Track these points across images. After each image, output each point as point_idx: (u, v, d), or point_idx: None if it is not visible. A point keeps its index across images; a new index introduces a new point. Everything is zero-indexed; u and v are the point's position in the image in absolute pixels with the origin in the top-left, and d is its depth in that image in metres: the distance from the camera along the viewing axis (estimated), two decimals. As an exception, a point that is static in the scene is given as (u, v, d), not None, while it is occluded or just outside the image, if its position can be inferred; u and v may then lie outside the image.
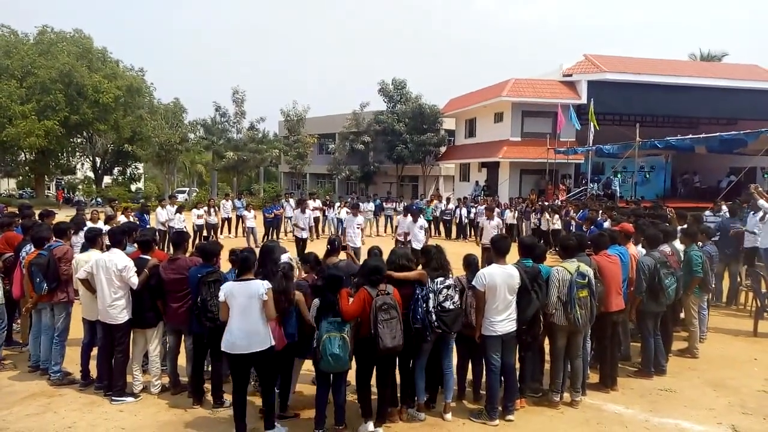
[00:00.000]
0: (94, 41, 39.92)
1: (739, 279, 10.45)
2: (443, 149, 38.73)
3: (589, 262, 6.14)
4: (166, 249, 13.54)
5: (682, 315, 7.96)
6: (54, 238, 6.68)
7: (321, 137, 43.10)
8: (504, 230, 19.43)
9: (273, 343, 5.16)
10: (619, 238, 7.04)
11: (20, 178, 52.41)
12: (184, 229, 13.65)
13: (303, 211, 14.75)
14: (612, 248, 6.63)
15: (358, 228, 12.49)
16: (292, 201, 21.21)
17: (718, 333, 8.77)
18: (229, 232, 20.36)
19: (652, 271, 6.60)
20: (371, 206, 22.91)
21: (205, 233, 17.63)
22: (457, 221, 21.98)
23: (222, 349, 5.10)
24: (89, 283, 6.01)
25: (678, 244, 7.76)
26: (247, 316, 5.00)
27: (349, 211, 21.51)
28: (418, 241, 11.96)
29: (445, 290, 5.38)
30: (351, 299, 5.11)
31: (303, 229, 14.58)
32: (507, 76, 29.85)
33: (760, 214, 10.11)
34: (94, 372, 6.35)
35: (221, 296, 5.08)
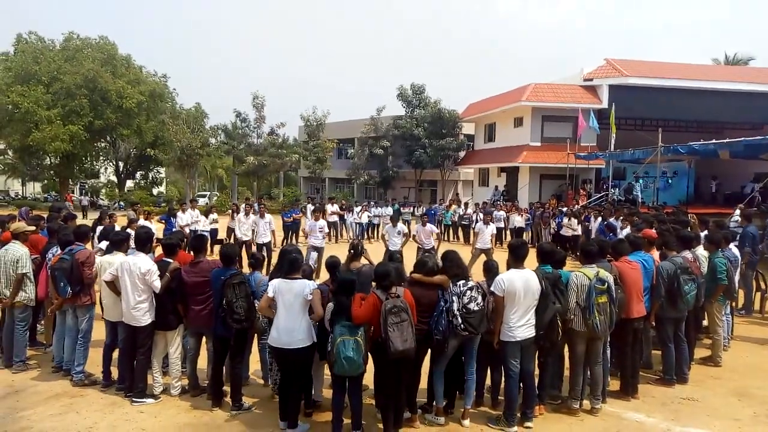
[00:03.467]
0: (118, 48, 40.68)
1: (764, 286, 10.24)
2: (462, 154, 38.66)
3: (610, 268, 6.07)
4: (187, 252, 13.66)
5: (705, 322, 7.83)
6: (75, 242, 6.78)
7: (340, 142, 43.29)
8: (514, 235, 19.46)
9: (314, 340, 5.36)
10: (643, 244, 6.96)
11: (45, 181, 53.45)
12: (206, 233, 13.79)
13: (262, 216, 14.37)
14: (635, 255, 6.56)
15: (398, 234, 12.39)
16: (310, 206, 21.32)
17: (743, 341, 8.60)
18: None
19: (671, 277, 6.52)
20: (389, 211, 22.92)
21: (223, 237, 17.73)
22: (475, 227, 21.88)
23: (269, 342, 5.44)
24: (114, 286, 6.10)
25: (701, 251, 7.65)
26: (291, 313, 5.26)
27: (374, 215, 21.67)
28: (393, 246, 12.00)
29: (468, 292, 5.39)
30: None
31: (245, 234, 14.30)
32: (527, 81, 29.74)
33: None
34: (115, 373, 6.44)
35: (270, 292, 5.34)
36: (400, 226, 12.55)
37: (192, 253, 6.36)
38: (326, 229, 13.71)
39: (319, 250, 12.42)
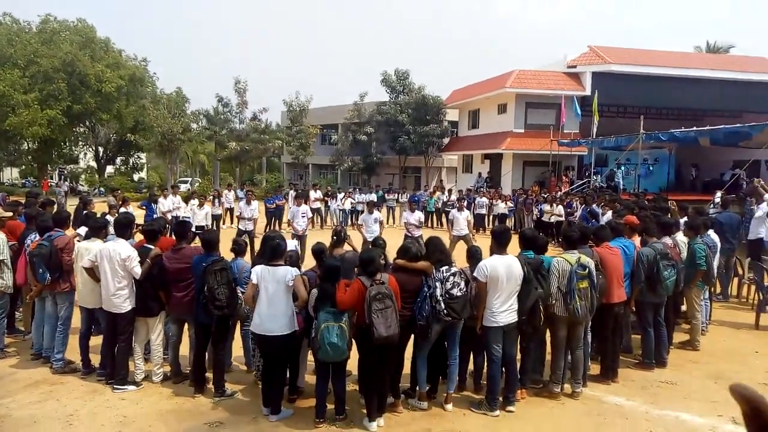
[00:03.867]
0: (97, 31, 39.87)
1: (741, 272, 10.42)
2: (446, 140, 38.67)
3: (591, 253, 6.13)
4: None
5: (684, 307, 7.95)
6: (54, 228, 6.67)
7: (324, 128, 43.02)
8: (497, 221, 19.58)
9: (297, 328, 5.34)
10: (625, 230, 7.03)
11: (23, 167, 52.56)
12: (188, 219, 13.65)
13: (248, 203, 14.21)
14: (616, 241, 6.64)
15: (375, 222, 12.27)
16: (292, 192, 21.20)
17: (720, 326, 8.76)
18: (231, 223, 20.37)
19: (650, 262, 6.60)
20: (373, 197, 22.89)
21: (206, 224, 17.57)
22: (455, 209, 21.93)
23: (251, 329, 5.41)
24: (94, 272, 6.02)
25: (680, 237, 7.75)
26: (274, 300, 5.23)
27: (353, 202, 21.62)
28: (370, 233, 11.84)
29: (451, 278, 5.42)
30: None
31: (249, 221, 13.99)
32: (511, 68, 29.74)
33: (765, 207, 10.07)
34: (95, 360, 6.37)
35: (253, 278, 5.32)
36: (377, 213, 12.50)
37: (175, 239, 6.28)
38: (309, 215, 13.56)
39: (302, 238, 12.34)
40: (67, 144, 43.25)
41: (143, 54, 53.94)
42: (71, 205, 12.07)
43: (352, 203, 21.74)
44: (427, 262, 5.55)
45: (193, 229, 7.24)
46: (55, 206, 9.14)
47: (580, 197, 18.05)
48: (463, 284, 5.47)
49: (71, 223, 7.70)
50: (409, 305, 5.38)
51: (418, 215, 13.07)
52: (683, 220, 8.84)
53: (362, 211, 21.13)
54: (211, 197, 18.79)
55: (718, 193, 12.91)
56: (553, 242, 15.71)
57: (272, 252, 5.38)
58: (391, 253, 6.13)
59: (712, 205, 12.41)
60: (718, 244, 8.56)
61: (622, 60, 28.15)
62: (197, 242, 6.34)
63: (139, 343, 6.25)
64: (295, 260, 5.81)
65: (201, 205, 15.39)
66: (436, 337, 5.55)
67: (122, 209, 11.41)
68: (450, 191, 24.37)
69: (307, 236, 12.48)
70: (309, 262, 6.35)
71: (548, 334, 6.20)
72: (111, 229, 6.86)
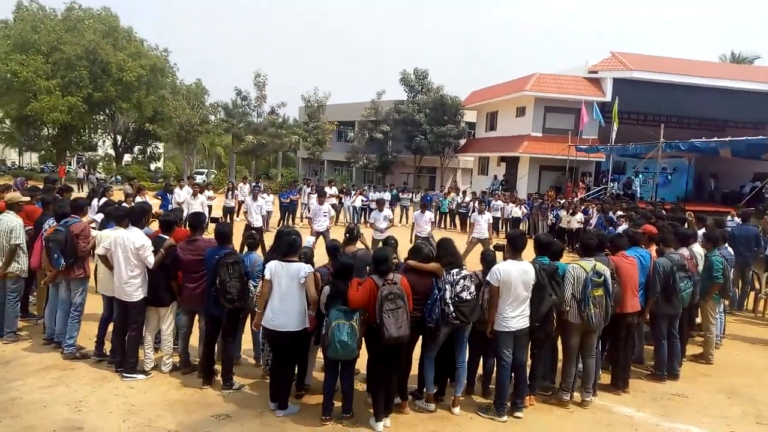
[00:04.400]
0: (120, 20, 40.23)
1: (758, 286, 10.26)
2: (463, 141, 38.51)
3: (607, 261, 6.06)
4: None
5: (698, 320, 7.84)
6: (71, 215, 6.72)
7: (340, 124, 43.03)
8: (510, 225, 19.46)
9: (308, 325, 5.33)
10: (642, 240, 6.95)
11: (42, 152, 53.19)
12: (202, 210, 13.69)
13: (255, 198, 14.07)
14: (633, 250, 6.55)
15: (384, 219, 12.21)
16: (307, 188, 21.26)
17: (735, 340, 8.64)
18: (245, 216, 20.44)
19: (667, 273, 6.51)
20: (387, 196, 22.87)
21: (220, 216, 17.65)
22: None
23: (263, 323, 5.37)
24: (107, 260, 6.06)
25: (698, 248, 7.63)
26: (287, 296, 5.24)
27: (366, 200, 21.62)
28: (379, 231, 11.98)
29: (462, 281, 5.39)
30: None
31: (256, 217, 13.69)
32: (531, 71, 29.55)
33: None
34: (108, 347, 6.42)
35: (267, 274, 5.32)
36: (387, 211, 12.47)
37: (189, 230, 6.30)
38: (332, 213, 13.32)
39: (323, 234, 12.24)
40: (87, 131, 43.74)
41: (165, 44, 54.31)
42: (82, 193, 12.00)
43: (363, 201, 21.74)
44: (438, 264, 5.52)
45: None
46: (77, 190, 9.20)
47: (597, 204, 17.88)
48: (473, 288, 5.43)
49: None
50: (419, 306, 5.35)
51: (429, 215, 13.07)
52: (701, 231, 8.72)
53: (378, 201, 21.23)
54: (225, 189, 18.83)
55: (735, 214, 12.67)
56: (568, 249, 15.63)
57: (288, 247, 5.38)
58: (403, 253, 6.11)
59: (730, 218, 12.21)
60: (734, 257, 8.43)
61: (644, 67, 27.83)
62: (211, 233, 6.34)
63: (150, 332, 6.28)
64: (309, 257, 5.80)
65: (195, 194, 15.17)
66: (444, 340, 5.52)
67: (138, 198, 11.49)
68: (464, 193, 24.29)
69: (329, 233, 12.43)
70: (322, 259, 6.32)
71: (560, 341, 6.14)
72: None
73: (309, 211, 14.19)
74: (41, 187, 10.13)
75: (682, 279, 6.60)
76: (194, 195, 15.19)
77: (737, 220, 11.35)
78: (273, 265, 5.32)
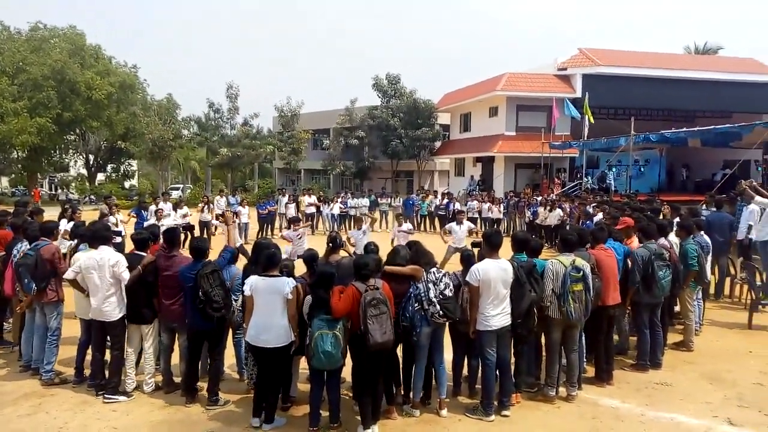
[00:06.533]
0: (86, 38, 39.70)
1: (734, 271, 10.44)
2: (438, 144, 38.71)
3: (588, 257, 6.11)
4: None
5: (677, 308, 7.95)
6: (41, 237, 6.59)
7: (315, 133, 42.96)
8: (488, 226, 19.52)
9: (293, 339, 5.26)
10: (626, 232, 7.05)
11: (13, 176, 52.16)
12: (177, 226, 13.48)
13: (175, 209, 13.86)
14: (607, 243, 6.62)
15: (363, 234, 11.89)
16: (284, 198, 21.13)
17: (714, 326, 8.76)
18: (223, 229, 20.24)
19: (645, 262, 6.60)
20: (366, 202, 22.86)
21: (196, 231, 17.31)
22: (450, 216, 21.91)
23: (246, 339, 5.30)
24: (77, 283, 5.95)
25: (673, 237, 7.75)
26: (270, 311, 5.15)
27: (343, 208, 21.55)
28: (359, 249, 11.17)
29: (444, 278, 5.45)
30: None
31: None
32: (502, 71, 29.84)
33: (756, 207, 10.09)
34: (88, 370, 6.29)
35: (246, 290, 5.24)
36: (365, 227, 12.35)
37: (165, 245, 6.22)
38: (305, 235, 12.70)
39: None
40: (57, 152, 43.04)
41: (133, 60, 53.77)
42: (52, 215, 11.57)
43: (341, 208, 21.68)
44: (417, 266, 5.53)
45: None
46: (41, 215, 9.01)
47: (568, 200, 18.06)
48: (451, 284, 5.51)
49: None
50: (397, 309, 5.36)
51: (407, 227, 13.15)
52: (676, 220, 8.85)
53: (354, 216, 21.08)
54: (201, 204, 18.63)
55: (706, 202, 12.87)
56: (547, 245, 15.74)
57: (267, 261, 5.31)
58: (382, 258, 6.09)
59: (704, 207, 12.41)
60: (710, 245, 8.57)
61: (612, 62, 28.30)
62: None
63: (133, 351, 6.18)
64: (291, 270, 5.74)
65: (159, 218, 14.23)
66: (428, 342, 5.51)
67: (111, 217, 11.30)
68: (443, 195, 24.36)
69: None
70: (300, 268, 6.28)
71: (543, 337, 6.17)
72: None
73: (287, 223, 13.94)
74: (11, 210, 9.91)
75: (660, 267, 6.70)
76: (158, 218, 14.17)
77: (712, 208, 11.54)
78: (253, 280, 5.25)
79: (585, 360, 6.50)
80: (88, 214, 14.25)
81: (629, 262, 6.66)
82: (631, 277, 6.61)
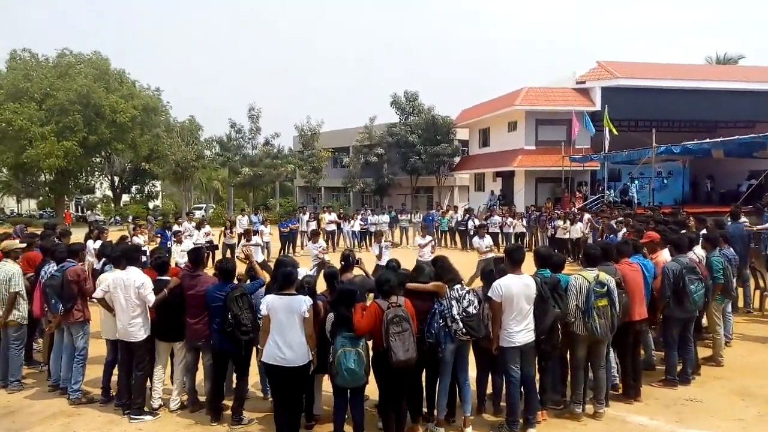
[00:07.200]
0: (111, 63, 40.66)
1: (763, 284, 10.22)
2: (457, 159, 38.69)
3: (614, 271, 6.03)
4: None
5: (705, 322, 7.79)
6: (68, 259, 6.73)
7: (335, 151, 43.28)
8: (513, 239, 19.40)
9: (311, 358, 5.21)
10: (650, 247, 6.96)
11: (40, 198, 53.25)
12: (203, 246, 13.61)
13: (179, 242, 13.32)
14: (634, 257, 6.55)
15: (386, 248, 11.97)
16: (305, 216, 21.27)
17: (744, 340, 8.57)
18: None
19: (677, 277, 6.48)
20: (386, 218, 22.90)
21: (218, 254, 17.14)
22: (472, 233, 21.79)
23: (263, 359, 5.23)
24: (106, 302, 6.05)
25: (698, 250, 7.62)
26: (287, 330, 5.10)
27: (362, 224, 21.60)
28: (381, 261, 11.15)
29: (467, 295, 5.42)
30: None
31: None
32: (520, 85, 29.83)
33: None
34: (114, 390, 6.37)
35: (263, 309, 5.21)
36: (384, 243, 12.41)
37: (190, 264, 6.30)
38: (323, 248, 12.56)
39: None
40: (84, 174, 43.88)
41: (156, 83, 54.82)
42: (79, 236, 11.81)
43: (361, 225, 21.72)
44: (440, 282, 5.51)
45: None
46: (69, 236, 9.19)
47: (593, 213, 17.88)
48: (476, 302, 5.47)
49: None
50: (423, 327, 5.33)
51: (429, 238, 13.13)
52: (702, 232, 8.72)
53: (375, 233, 21.11)
54: (224, 227, 18.21)
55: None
56: (570, 259, 15.57)
57: (284, 280, 5.30)
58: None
59: (729, 219, 12.20)
60: (737, 257, 8.41)
61: (630, 74, 28.12)
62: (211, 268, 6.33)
63: (161, 368, 6.26)
64: (312, 287, 5.77)
65: (179, 241, 13.80)
66: (452, 358, 5.48)
67: (135, 238, 11.48)
68: (457, 209, 24.32)
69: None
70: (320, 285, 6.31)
71: (568, 353, 6.09)
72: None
73: (308, 241, 13.87)
74: (39, 233, 10.14)
75: (692, 281, 6.53)
76: (178, 242, 13.70)
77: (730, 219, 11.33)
78: (270, 299, 5.24)
79: (616, 376, 6.40)
80: (114, 235, 14.48)
81: (658, 276, 6.56)
82: (662, 291, 6.50)
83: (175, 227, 15.96)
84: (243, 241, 13.79)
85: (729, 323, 8.09)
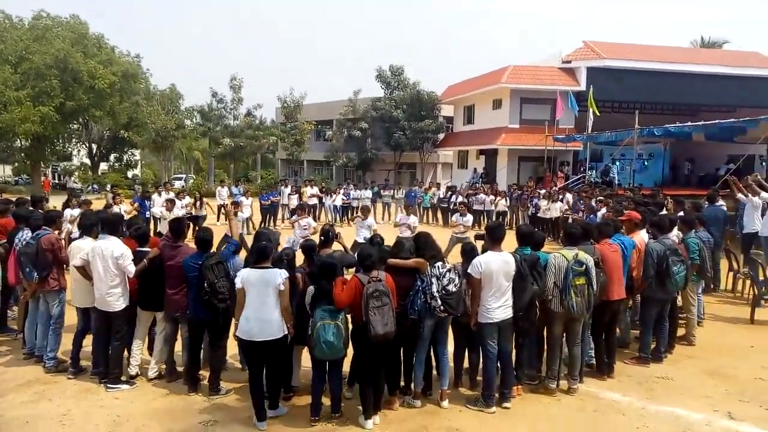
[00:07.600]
0: (89, 27, 39.59)
1: (736, 266, 10.43)
2: (441, 136, 38.57)
3: (592, 251, 6.09)
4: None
5: (679, 302, 7.93)
6: (43, 226, 6.61)
7: (318, 124, 42.86)
8: (495, 218, 19.50)
9: (286, 332, 5.21)
10: (628, 226, 7.01)
11: (16, 164, 52.25)
12: (183, 216, 13.46)
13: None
14: (614, 237, 6.60)
15: (367, 228, 11.76)
16: (286, 189, 21.14)
17: (716, 321, 8.77)
18: (225, 219, 20.24)
19: (660, 257, 6.56)
20: (368, 194, 22.85)
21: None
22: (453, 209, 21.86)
23: (237, 334, 5.22)
24: (86, 271, 5.96)
25: (675, 231, 7.73)
26: (262, 304, 5.07)
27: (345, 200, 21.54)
28: (360, 237, 11.31)
29: (447, 273, 5.43)
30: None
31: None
32: (506, 63, 29.70)
33: (758, 202, 10.08)
34: (84, 360, 6.32)
35: (238, 283, 5.17)
36: (370, 220, 12.30)
37: (171, 235, 6.23)
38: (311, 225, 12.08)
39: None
40: (60, 141, 43.04)
41: (136, 50, 53.59)
42: (56, 205, 11.59)
43: (344, 200, 21.66)
44: (421, 259, 5.52)
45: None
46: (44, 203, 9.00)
47: (573, 193, 18.01)
48: (457, 279, 5.48)
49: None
50: (403, 302, 5.36)
51: (414, 219, 13.05)
52: (679, 214, 8.83)
53: (357, 207, 21.02)
54: (194, 200, 17.56)
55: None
56: (549, 237, 15.73)
57: (258, 254, 5.26)
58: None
59: (706, 202, 12.39)
60: (712, 240, 8.55)
61: (616, 55, 28.13)
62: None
63: (140, 336, 6.25)
64: (291, 259, 5.75)
65: (169, 209, 13.79)
66: (430, 334, 5.53)
67: (114, 207, 11.33)
68: (439, 186, 24.33)
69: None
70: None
71: (545, 330, 6.17)
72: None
73: (290, 214, 13.80)
74: (14, 199, 9.94)
75: (675, 263, 6.62)
76: (168, 209, 13.85)
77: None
78: (245, 272, 5.19)
79: (592, 356, 6.50)
80: (96, 205, 14.26)
81: (634, 255, 6.63)
82: (645, 271, 6.58)
83: (156, 196, 15.76)
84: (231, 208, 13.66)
85: (700, 304, 8.26)
